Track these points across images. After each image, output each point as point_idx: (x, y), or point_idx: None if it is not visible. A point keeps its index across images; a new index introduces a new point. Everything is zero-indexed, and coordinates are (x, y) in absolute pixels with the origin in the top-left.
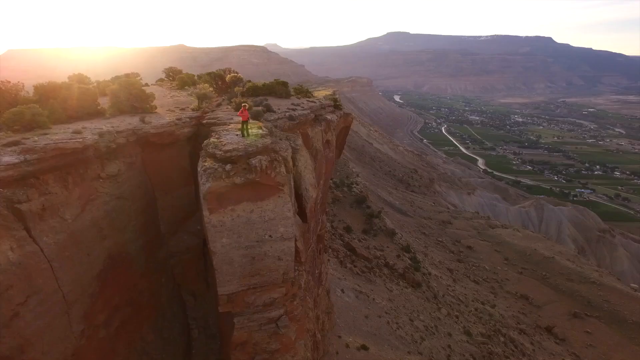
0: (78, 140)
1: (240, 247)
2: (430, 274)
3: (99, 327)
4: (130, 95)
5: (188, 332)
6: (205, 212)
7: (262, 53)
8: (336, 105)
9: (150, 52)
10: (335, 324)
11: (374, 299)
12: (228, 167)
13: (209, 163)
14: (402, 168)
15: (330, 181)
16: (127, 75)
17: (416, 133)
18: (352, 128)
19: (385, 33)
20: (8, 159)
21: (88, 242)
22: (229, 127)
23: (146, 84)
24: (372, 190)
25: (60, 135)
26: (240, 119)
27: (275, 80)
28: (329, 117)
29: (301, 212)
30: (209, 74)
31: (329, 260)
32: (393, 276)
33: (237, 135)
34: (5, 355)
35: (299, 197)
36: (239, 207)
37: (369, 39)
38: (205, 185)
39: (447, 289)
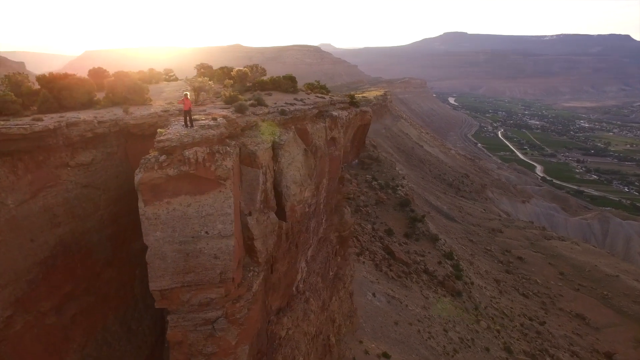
0: (24, 127)
1: (173, 242)
2: (473, 283)
3: (46, 314)
4: (123, 87)
5: (162, 325)
6: (140, 204)
7: (316, 53)
8: (352, 102)
9: (208, 52)
10: (360, 328)
11: (407, 305)
12: (162, 158)
13: (151, 154)
14: (453, 172)
15: (375, 182)
16: (153, 70)
17: (470, 137)
18: (401, 129)
19: (441, 33)
20: None
21: (33, 228)
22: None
23: (173, 79)
24: (419, 193)
25: (18, 122)
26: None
27: (284, 75)
28: (335, 113)
29: (280, 210)
30: (221, 68)
31: (363, 262)
32: (431, 283)
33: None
34: None
35: (278, 195)
36: (175, 200)
37: (424, 40)
38: (138, 176)
39: (491, 300)
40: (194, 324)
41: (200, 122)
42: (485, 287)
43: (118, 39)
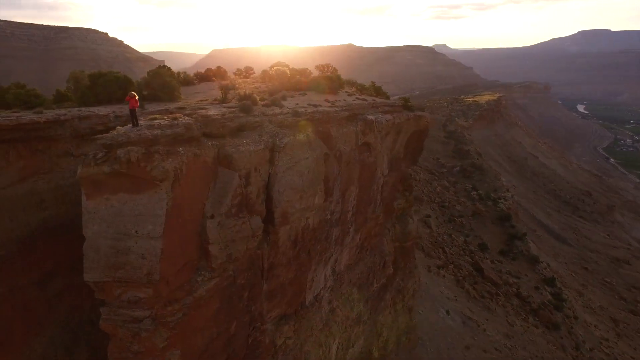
0: (10, 119)
1: (107, 237)
2: (577, 317)
3: (25, 288)
4: (156, 85)
5: None
6: (83, 197)
7: (428, 54)
8: (406, 106)
9: (320, 50)
10: (421, 345)
11: (485, 329)
12: (100, 154)
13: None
14: (572, 188)
15: (475, 193)
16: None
17: (601, 150)
18: (514, 137)
19: (575, 32)
20: None
21: (15, 209)
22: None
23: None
24: (526, 208)
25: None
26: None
27: (321, 75)
28: (371, 117)
29: (270, 216)
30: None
31: (444, 276)
32: (522, 310)
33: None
34: None
35: (268, 200)
36: (114, 197)
37: (553, 39)
38: (78, 170)
39: (601, 342)
40: (123, 320)
41: (158, 122)
42: (595, 325)
43: (241, 38)
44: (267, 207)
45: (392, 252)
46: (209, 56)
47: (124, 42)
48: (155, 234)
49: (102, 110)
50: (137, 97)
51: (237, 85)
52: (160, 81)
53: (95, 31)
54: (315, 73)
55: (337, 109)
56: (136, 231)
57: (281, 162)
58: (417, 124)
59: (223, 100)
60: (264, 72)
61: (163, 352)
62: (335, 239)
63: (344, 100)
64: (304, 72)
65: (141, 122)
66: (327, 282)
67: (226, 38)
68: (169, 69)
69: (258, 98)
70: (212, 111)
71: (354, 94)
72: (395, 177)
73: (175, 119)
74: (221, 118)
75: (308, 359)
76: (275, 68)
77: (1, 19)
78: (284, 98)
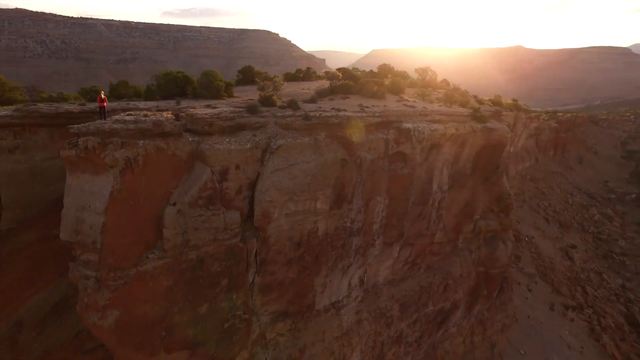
0: (50, 109)
1: (73, 207)
2: None
3: (54, 238)
4: (204, 84)
5: None
6: (67, 173)
7: (620, 56)
8: (476, 117)
9: (483, 53)
10: None
11: None
12: (72, 141)
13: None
14: None
15: None
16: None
17: None
18: None
19: None
20: (2, 113)
21: (52, 177)
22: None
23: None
24: None
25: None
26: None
27: (372, 79)
28: (408, 125)
29: (251, 213)
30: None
31: (572, 319)
32: None
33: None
34: None
35: (252, 199)
36: (83, 176)
37: None
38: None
39: None
40: (80, 275)
41: (125, 118)
42: None
43: (402, 39)
44: (250, 207)
45: (468, 277)
46: (367, 56)
47: (292, 42)
48: (99, 210)
49: (145, 104)
50: (104, 97)
51: (277, 86)
52: (205, 81)
53: (268, 32)
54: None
55: (364, 114)
56: (89, 205)
57: (270, 163)
58: (487, 138)
59: (266, 100)
60: (326, 72)
61: (104, 309)
62: (356, 249)
63: (384, 105)
64: (374, 75)
65: (116, 117)
66: (351, 291)
67: (387, 38)
68: (215, 72)
69: (278, 99)
70: (207, 110)
71: (407, 100)
72: (469, 194)
73: (145, 115)
74: (209, 117)
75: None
76: (324, 70)
77: (202, 25)
78: (313, 100)
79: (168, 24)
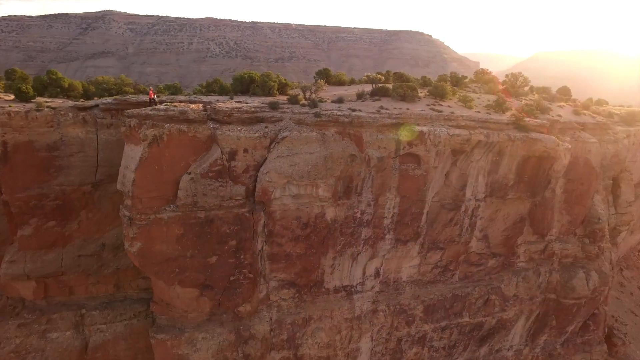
0: (134, 97)
1: (122, 167)
2: None
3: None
4: (261, 84)
5: None
6: (125, 143)
7: None
8: (518, 126)
9: None
10: None
11: None
12: (125, 121)
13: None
14: None
15: None
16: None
17: None
18: None
19: None
20: (106, 100)
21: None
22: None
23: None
24: None
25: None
26: None
27: (406, 82)
28: (424, 128)
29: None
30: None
31: None
32: None
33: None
34: None
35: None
36: (129, 146)
37: None
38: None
39: None
40: (122, 214)
41: (161, 107)
42: None
43: (572, 40)
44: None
45: (529, 300)
46: (530, 59)
47: (445, 44)
48: (132, 169)
49: (207, 98)
50: (153, 91)
51: (317, 88)
52: (261, 82)
53: (421, 33)
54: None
55: (378, 115)
56: (128, 166)
57: (275, 150)
58: (529, 148)
59: (292, 98)
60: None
61: (132, 240)
62: (365, 239)
63: (407, 108)
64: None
65: (158, 107)
66: (365, 280)
67: (553, 40)
68: (270, 74)
69: (302, 98)
70: (231, 105)
71: (442, 104)
72: (524, 209)
73: (175, 106)
74: (229, 110)
75: (316, 334)
76: (366, 74)
77: (355, 26)
78: (340, 101)
79: (324, 26)
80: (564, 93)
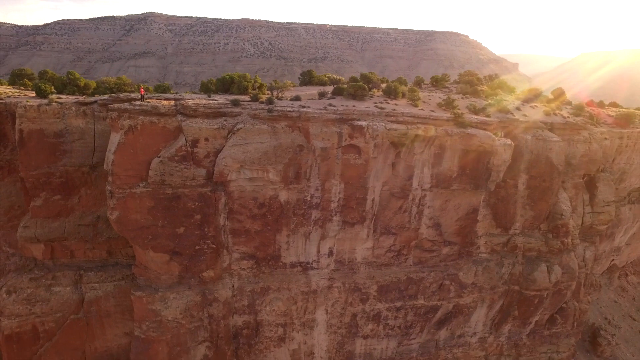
0: (125, 95)
1: (107, 151)
2: None
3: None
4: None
5: None
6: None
7: None
8: (458, 122)
9: None
10: None
11: None
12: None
13: None
14: None
15: None
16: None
17: None
18: None
19: None
20: (104, 97)
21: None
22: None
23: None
24: None
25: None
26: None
27: (359, 83)
28: (362, 123)
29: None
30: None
31: None
32: None
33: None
34: None
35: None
36: (112, 133)
37: None
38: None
39: None
40: (106, 189)
41: (140, 102)
42: None
43: (619, 40)
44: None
45: (490, 290)
46: (574, 60)
47: (481, 44)
48: (112, 152)
49: (190, 96)
50: (143, 89)
51: (282, 89)
52: (238, 82)
53: (457, 34)
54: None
55: (324, 111)
56: (110, 150)
57: (231, 140)
58: (466, 143)
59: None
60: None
61: (112, 209)
62: (315, 220)
63: (353, 106)
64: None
65: (134, 102)
66: (320, 258)
67: (601, 39)
68: (246, 75)
69: (263, 96)
70: (198, 101)
71: (389, 103)
72: (477, 202)
73: (148, 102)
74: (195, 106)
75: (274, 303)
76: (327, 74)
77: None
78: (297, 99)
79: (359, 26)
80: (557, 94)
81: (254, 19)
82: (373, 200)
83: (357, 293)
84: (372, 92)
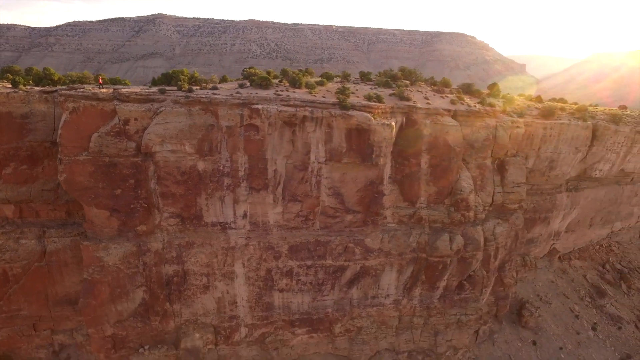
0: (89, 87)
1: (59, 127)
2: None
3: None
4: (175, 78)
5: None
6: None
7: None
8: (342, 105)
9: None
10: None
11: None
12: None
13: None
14: None
15: None
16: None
17: None
18: None
19: None
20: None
21: None
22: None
23: None
24: None
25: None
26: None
27: (269, 74)
28: (258, 106)
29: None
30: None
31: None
32: None
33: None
34: None
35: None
36: (64, 113)
37: None
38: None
39: None
40: (57, 157)
41: (80, 89)
42: None
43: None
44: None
45: (398, 256)
46: (586, 61)
47: (488, 45)
48: (61, 127)
49: (134, 88)
50: (101, 79)
51: (209, 82)
52: (176, 77)
53: (463, 35)
54: None
55: (230, 97)
56: (60, 126)
57: (155, 120)
58: (347, 122)
59: (179, 86)
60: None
61: (61, 172)
62: (227, 186)
63: (256, 93)
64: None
65: (78, 89)
66: (236, 219)
67: (613, 39)
68: (184, 71)
69: (186, 85)
70: (133, 90)
71: (288, 90)
72: (374, 175)
73: (90, 89)
74: (128, 93)
75: (197, 255)
76: (245, 68)
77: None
78: (214, 88)
79: (365, 27)
80: (491, 88)
81: (260, 20)
82: (275, 170)
83: (270, 251)
84: (283, 83)
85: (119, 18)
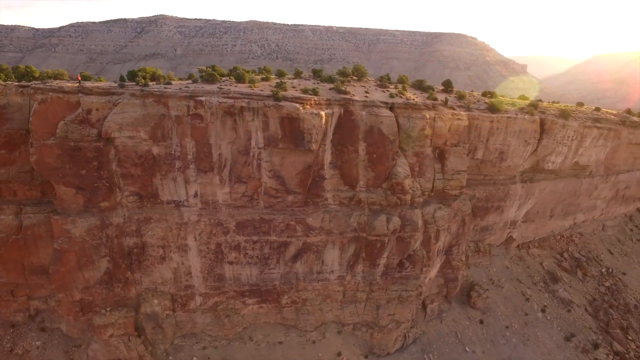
0: (74, 82)
1: (31, 116)
2: None
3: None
4: (137, 75)
5: None
6: None
7: None
8: (276, 98)
9: None
10: None
11: None
12: (29, 90)
13: None
14: None
15: None
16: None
17: None
18: None
19: None
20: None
21: None
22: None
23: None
24: None
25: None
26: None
27: (215, 70)
28: (202, 98)
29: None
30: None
31: None
32: None
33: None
34: None
35: None
36: (34, 104)
37: None
38: None
39: None
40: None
41: (49, 83)
42: None
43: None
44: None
45: (339, 235)
46: (588, 62)
47: (489, 46)
48: (31, 115)
49: (103, 83)
50: (80, 76)
51: (167, 78)
52: (140, 74)
53: (464, 36)
54: None
55: (179, 90)
56: (31, 114)
57: (114, 110)
58: (279, 112)
59: (136, 82)
60: (200, 69)
61: (32, 154)
62: (178, 168)
63: (202, 87)
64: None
65: (46, 82)
66: (188, 198)
67: (614, 40)
68: (147, 69)
69: (144, 80)
70: (96, 84)
71: (232, 85)
72: (311, 160)
73: (57, 84)
74: (91, 87)
75: (154, 229)
76: (199, 67)
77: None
78: (169, 83)
79: (365, 28)
80: (445, 84)
81: (261, 20)
82: (220, 154)
83: (219, 227)
84: (230, 78)
85: (122, 19)
